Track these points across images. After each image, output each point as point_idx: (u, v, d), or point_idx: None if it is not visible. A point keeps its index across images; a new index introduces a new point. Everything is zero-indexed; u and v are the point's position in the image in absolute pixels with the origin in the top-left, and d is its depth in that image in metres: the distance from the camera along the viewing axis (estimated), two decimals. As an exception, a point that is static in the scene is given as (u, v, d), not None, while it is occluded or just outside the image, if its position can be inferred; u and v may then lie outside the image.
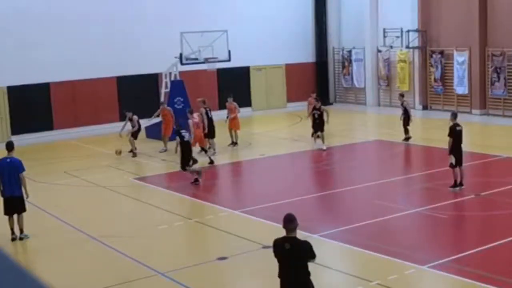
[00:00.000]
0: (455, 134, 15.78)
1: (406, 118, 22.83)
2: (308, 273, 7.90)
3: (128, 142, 22.22)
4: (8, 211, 13.72)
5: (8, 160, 13.61)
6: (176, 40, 25.31)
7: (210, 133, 21.84)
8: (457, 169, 15.89)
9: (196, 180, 17.81)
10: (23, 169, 13.59)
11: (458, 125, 15.92)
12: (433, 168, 18.62)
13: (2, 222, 13.90)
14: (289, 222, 7.86)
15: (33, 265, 12.54)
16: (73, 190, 18.40)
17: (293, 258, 7.84)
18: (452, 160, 15.74)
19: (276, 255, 7.99)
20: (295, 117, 29.55)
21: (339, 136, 24.34)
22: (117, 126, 28.78)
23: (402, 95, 23.77)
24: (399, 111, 25.13)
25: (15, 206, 13.64)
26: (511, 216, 14.14)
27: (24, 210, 13.75)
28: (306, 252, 7.84)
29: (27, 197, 13.74)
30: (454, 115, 16.22)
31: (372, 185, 17.37)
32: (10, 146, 13.78)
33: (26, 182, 13.71)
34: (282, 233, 7.94)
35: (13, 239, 13.68)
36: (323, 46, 35.16)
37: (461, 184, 15.95)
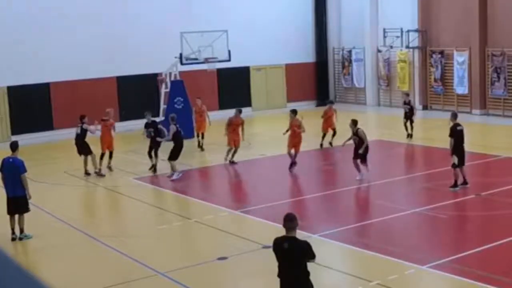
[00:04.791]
0: (456, 134, 15.79)
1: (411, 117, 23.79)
2: (308, 273, 7.89)
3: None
4: (11, 211, 13.73)
5: (11, 160, 13.64)
6: (176, 40, 25.30)
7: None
8: (458, 169, 15.88)
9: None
10: (24, 170, 13.58)
11: (458, 125, 15.93)
12: (433, 168, 18.62)
13: (2, 222, 13.90)
14: (289, 221, 7.86)
15: (33, 265, 12.54)
16: (73, 190, 18.40)
17: (292, 257, 7.83)
18: (455, 160, 15.74)
19: (276, 254, 8.00)
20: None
21: (339, 136, 24.31)
22: (118, 126, 28.86)
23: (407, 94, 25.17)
24: (400, 111, 25.22)
25: (18, 206, 13.64)
26: (511, 216, 14.14)
27: (26, 210, 13.74)
28: (304, 252, 7.83)
29: (29, 198, 13.72)
30: (454, 115, 16.24)
31: (372, 185, 17.37)
32: (13, 146, 13.83)
33: (27, 183, 13.68)
34: (282, 233, 7.93)
35: (13, 239, 13.68)
36: (323, 46, 35.16)
37: (465, 183, 15.93)
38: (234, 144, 20.55)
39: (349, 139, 18.14)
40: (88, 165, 19.70)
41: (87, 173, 19.67)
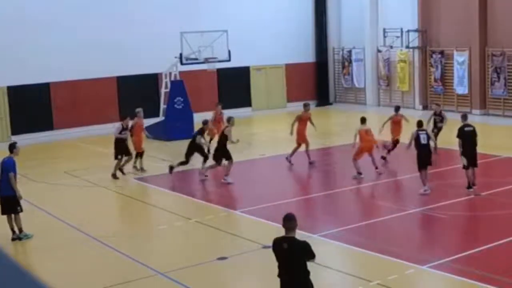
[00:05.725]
0: (464, 135, 15.67)
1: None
2: (307, 273, 7.90)
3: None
4: (3, 211, 13.72)
5: (6, 160, 13.67)
6: (176, 40, 25.31)
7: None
8: (468, 170, 15.74)
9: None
10: (12, 171, 13.52)
11: (467, 126, 15.82)
12: (433, 168, 18.58)
13: (2, 223, 13.89)
14: (288, 221, 7.86)
15: (33, 265, 12.54)
16: (73, 190, 18.39)
17: (291, 258, 7.84)
18: (464, 161, 15.61)
19: (275, 254, 8.01)
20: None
21: (339, 136, 24.34)
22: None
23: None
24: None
25: (9, 206, 13.62)
26: (511, 216, 14.14)
27: (17, 210, 13.63)
28: (303, 252, 7.84)
29: (20, 198, 13.64)
30: (464, 117, 16.15)
31: (372, 185, 17.37)
32: (10, 147, 13.87)
33: (14, 182, 13.50)
34: (282, 233, 7.94)
35: (13, 239, 13.67)
36: (323, 46, 35.16)
37: (473, 184, 15.86)
38: (304, 140, 20.13)
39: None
40: (126, 165, 19.36)
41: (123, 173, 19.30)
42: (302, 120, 20.25)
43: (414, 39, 30.60)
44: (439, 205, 14.85)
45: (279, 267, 7.98)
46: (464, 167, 15.71)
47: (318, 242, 12.14)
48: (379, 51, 32.80)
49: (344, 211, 15.65)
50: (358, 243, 12.46)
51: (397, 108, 20.75)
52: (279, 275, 7.98)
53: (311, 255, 7.87)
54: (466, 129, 15.75)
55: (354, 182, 17.63)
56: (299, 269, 7.87)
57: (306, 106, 20.62)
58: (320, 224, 13.90)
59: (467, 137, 15.69)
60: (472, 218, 14.71)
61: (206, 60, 25.52)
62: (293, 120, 20.24)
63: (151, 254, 12.60)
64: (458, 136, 15.74)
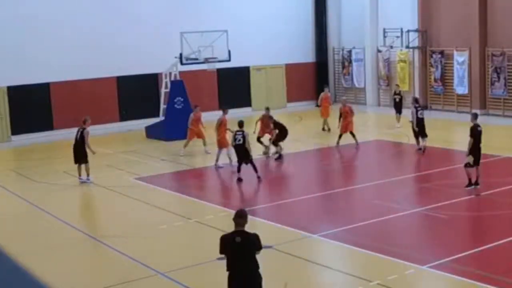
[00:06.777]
0: (477, 134, 15.71)
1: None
2: (258, 265, 8.20)
3: None
4: None
5: None
6: (176, 40, 25.31)
7: None
8: (473, 168, 15.78)
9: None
10: None
11: (478, 125, 15.84)
12: (433, 168, 18.61)
13: (2, 223, 13.89)
14: (239, 217, 8.25)
15: (33, 265, 12.54)
16: (73, 190, 18.39)
17: (244, 250, 8.18)
18: (470, 160, 15.62)
19: (225, 250, 8.34)
20: (295, 117, 29.55)
21: (338, 135, 24.31)
22: (118, 126, 28.91)
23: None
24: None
25: None
26: (511, 216, 14.14)
27: None
28: (255, 244, 8.19)
29: None
30: (475, 116, 16.12)
31: (372, 185, 17.36)
32: None
33: None
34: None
35: None
36: (323, 46, 35.16)
37: (476, 184, 15.89)
38: (347, 130, 22.55)
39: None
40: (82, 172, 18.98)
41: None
42: (343, 112, 22.76)
43: (414, 39, 30.61)
44: (439, 205, 14.84)
45: (230, 261, 8.27)
46: (469, 165, 15.71)
47: (318, 242, 12.14)
48: (379, 51, 32.80)
49: (344, 211, 15.65)
50: (358, 243, 12.45)
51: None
52: (228, 269, 8.27)
53: (259, 247, 8.21)
54: (478, 129, 15.81)
55: (354, 182, 17.61)
56: (251, 261, 8.18)
57: (344, 101, 23.48)
58: (320, 224, 13.88)
59: (478, 137, 15.76)
60: (472, 218, 14.71)
61: (206, 60, 25.52)
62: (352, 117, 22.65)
63: (151, 254, 12.59)
64: (472, 135, 15.72)
